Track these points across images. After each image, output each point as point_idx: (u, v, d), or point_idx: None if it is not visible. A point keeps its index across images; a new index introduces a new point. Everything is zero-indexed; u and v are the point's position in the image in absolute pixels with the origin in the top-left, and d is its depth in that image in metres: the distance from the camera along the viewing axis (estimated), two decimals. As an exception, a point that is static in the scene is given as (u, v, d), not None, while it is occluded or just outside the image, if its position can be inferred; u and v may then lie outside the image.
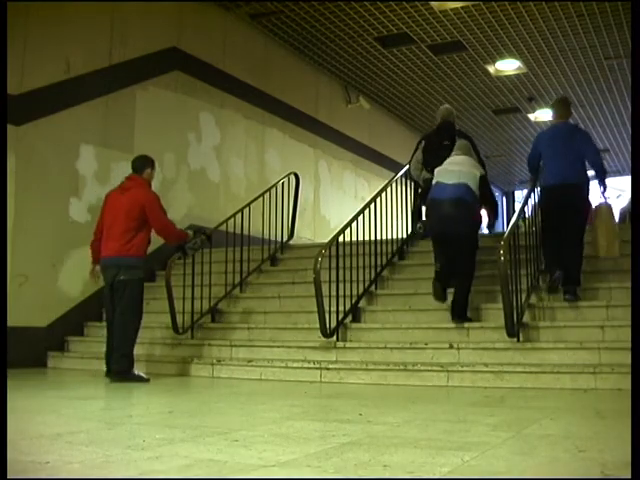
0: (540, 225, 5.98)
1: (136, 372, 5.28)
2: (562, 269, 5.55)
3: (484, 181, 5.76)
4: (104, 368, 5.43)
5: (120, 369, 5.20)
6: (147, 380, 5.22)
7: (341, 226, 6.22)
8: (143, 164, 5.60)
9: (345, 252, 5.91)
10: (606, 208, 5.88)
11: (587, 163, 5.81)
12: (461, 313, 5.53)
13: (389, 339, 5.55)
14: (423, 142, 7.15)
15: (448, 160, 5.94)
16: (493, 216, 6.29)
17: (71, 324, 6.86)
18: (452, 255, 5.68)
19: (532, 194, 6.21)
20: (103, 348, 5.50)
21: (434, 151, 6.71)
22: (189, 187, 8.56)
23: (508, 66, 11.05)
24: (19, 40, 6.47)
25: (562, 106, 6.13)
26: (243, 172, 9.53)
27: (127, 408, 4.22)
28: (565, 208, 5.60)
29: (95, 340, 6.61)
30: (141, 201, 5.34)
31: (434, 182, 5.87)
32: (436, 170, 5.92)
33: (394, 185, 7.42)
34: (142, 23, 8.00)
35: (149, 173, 5.59)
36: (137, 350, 5.98)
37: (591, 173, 5.86)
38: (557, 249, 5.67)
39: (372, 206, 6.65)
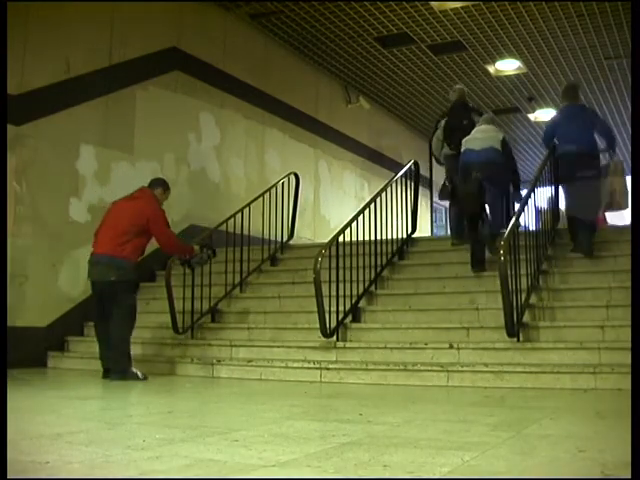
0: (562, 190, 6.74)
1: (134, 370, 5.31)
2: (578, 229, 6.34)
3: (505, 142, 6.59)
4: (103, 368, 5.45)
5: (120, 368, 5.25)
6: (145, 379, 5.25)
7: (341, 226, 6.22)
8: (157, 183, 5.90)
9: (345, 252, 5.90)
10: (620, 163, 6.74)
11: (596, 134, 6.61)
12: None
13: (389, 339, 5.54)
14: (442, 121, 7.62)
15: (475, 129, 6.76)
16: (516, 179, 6.76)
17: (71, 324, 6.86)
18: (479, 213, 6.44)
19: (532, 194, 6.21)
20: (103, 348, 5.53)
21: (454, 130, 7.32)
22: (189, 187, 8.55)
23: (508, 66, 11.05)
24: (19, 40, 6.47)
25: (572, 91, 6.94)
26: (243, 172, 9.52)
27: (127, 408, 4.22)
28: (580, 170, 6.34)
29: (95, 340, 6.59)
30: (147, 213, 5.49)
31: (463, 149, 6.60)
32: (464, 140, 6.65)
33: (394, 185, 7.42)
34: (142, 23, 8.00)
35: (160, 193, 5.81)
36: (137, 350, 5.99)
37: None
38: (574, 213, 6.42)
39: (372, 206, 6.65)
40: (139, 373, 5.30)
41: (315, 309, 5.45)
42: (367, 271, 6.34)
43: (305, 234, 10.34)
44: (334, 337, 5.59)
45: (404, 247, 7.41)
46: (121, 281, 5.38)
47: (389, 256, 6.92)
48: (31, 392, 4.62)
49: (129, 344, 5.42)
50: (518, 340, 5.00)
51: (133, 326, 5.50)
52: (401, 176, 7.69)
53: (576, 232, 6.37)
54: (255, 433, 2.93)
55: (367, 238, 6.49)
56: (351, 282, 5.92)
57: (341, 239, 5.96)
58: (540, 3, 8.75)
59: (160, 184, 5.89)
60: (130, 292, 5.51)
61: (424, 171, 12.65)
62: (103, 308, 5.49)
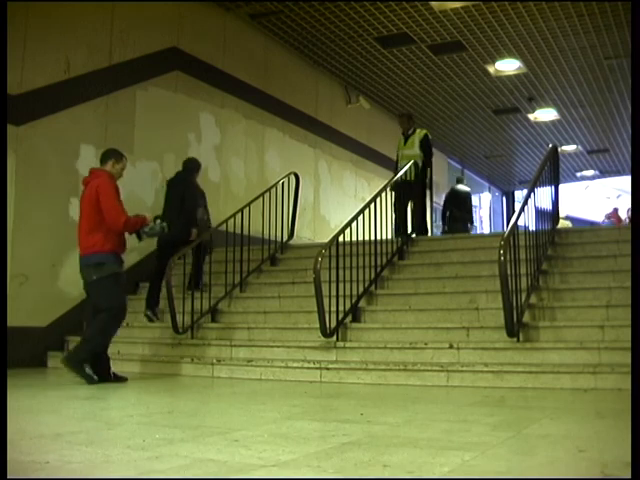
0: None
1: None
2: None
3: None
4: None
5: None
6: (95, 381, 5.00)
7: (341, 226, 6.22)
8: (106, 156, 5.39)
9: (345, 252, 5.90)
10: None
11: None
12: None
13: (389, 339, 5.55)
14: None
15: None
16: None
17: (71, 324, 6.85)
18: None
19: (532, 194, 6.21)
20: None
21: None
22: (189, 187, 8.54)
23: (508, 66, 11.06)
24: (19, 40, 6.47)
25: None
26: (243, 172, 9.52)
27: (127, 408, 4.22)
28: None
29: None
30: (97, 187, 5.11)
31: None
32: None
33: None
34: (142, 23, 8.00)
35: (112, 165, 5.34)
36: (138, 349, 6.00)
37: None
38: None
39: (372, 206, 6.65)
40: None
41: (315, 309, 5.45)
42: (367, 271, 6.34)
43: (305, 234, 10.34)
44: (334, 337, 5.59)
45: (404, 247, 7.41)
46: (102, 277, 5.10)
47: (389, 256, 6.92)
48: (31, 392, 4.62)
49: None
50: (518, 340, 5.00)
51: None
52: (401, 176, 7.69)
53: None
54: (255, 433, 2.93)
55: (367, 238, 6.49)
56: (351, 282, 5.92)
57: (341, 239, 5.96)
58: (540, 3, 8.75)
59: (109, 156, 5.36)
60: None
61: (424, 171, 12.64)
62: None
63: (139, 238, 5.51)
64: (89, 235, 5.13)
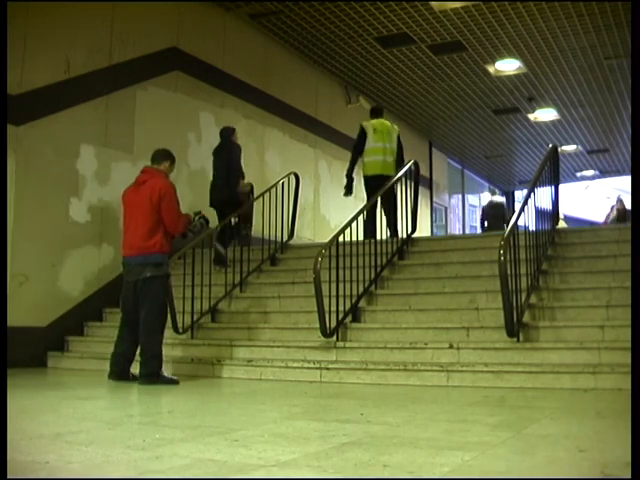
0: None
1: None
2: None
3: None
4: (104, 368, 5.42)
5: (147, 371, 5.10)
6: (177, 382, 5.10)
7: (341, 226, 6.22)
8: (162, 156, 5.38)
9: (345, 252, 5.90)
10: None
11: None
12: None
13: (389, 339, 5.54)
14: None
15: None
16: None
17: (71, 324, 6.86)
18: None
19: (532, 194, 6.21)
20: (103, 348, 5.51)
21: None
22: (189, 187, 8.55)
23: (508, 66, 11.07)
24: (19, 40, 6.47)
25: None
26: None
27: (127, 408, 4.22)
28: None
29: (95, 340, 6.62)
30: (160, 190, 5.11)
31: None
32: None
33: (394, 185, 7.41)
34: (142, 23, 8.01)
35: (167, 166, 5.37)
36: (137, 350, 5.97)
37: None
38: None
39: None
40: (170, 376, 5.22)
41: (315, 309, 5.45)
42: (367, 271, 6.34)
43: (305, 234, 10.34)
44: (334, 337, 5.59)
45: (404, 247, 7.41)
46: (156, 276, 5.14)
47: (389, 256, 6.92)
48: (31, 392, 4.62)
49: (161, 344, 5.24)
50: (518, 340, 5.00)
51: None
52: (401, 176, 7.69)
53: None
54: (255, 433, 2.93)
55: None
56: (351, 282, 5.91)
57: (341, 239, 5.96)
58: (540, 3, 8.76)
59: (165, 157, 5.38)
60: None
61: (424, 171, 12.67)
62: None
63: (184, 236, 5.70)
64: (148, 235, 5.12)
